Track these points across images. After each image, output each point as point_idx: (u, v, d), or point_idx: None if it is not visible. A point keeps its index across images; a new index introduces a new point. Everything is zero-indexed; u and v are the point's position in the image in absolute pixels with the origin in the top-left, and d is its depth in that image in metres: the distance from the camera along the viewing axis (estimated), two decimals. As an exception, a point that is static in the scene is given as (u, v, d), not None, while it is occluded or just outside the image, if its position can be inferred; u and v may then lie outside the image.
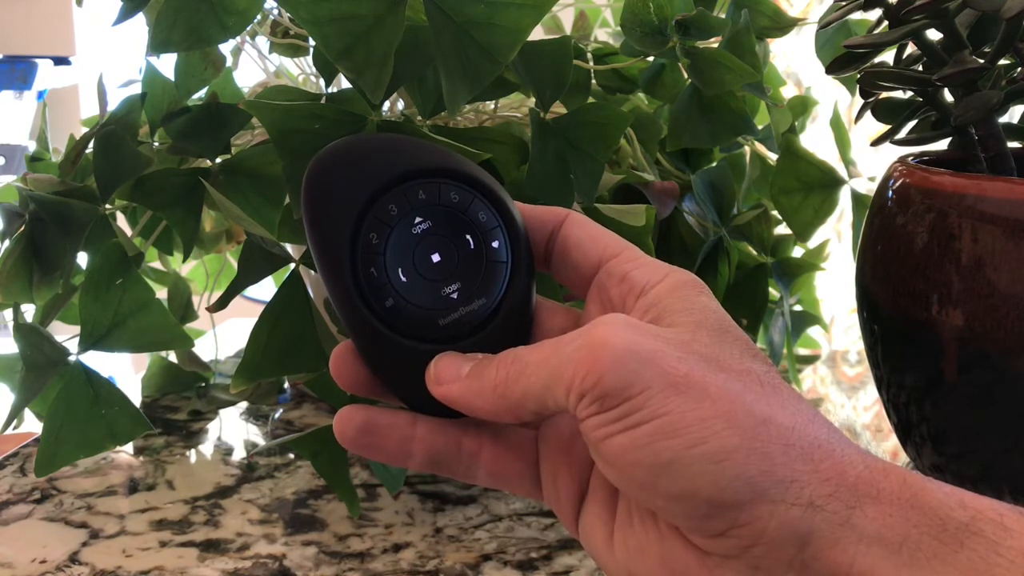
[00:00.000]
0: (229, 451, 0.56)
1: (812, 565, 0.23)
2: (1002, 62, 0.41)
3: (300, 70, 0.62)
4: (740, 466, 0.23)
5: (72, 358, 0.48)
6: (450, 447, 0.28)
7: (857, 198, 0.58)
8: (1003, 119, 0.43)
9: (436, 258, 0.28)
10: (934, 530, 0.22)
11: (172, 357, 0.65)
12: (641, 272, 0.28)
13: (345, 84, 0.52)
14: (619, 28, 0.52)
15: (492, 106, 0.55)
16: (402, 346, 0.27)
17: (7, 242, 0.51)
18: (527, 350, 0.26)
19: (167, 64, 0.52)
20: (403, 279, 0.27)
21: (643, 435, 0.23)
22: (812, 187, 0.56)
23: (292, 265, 0.46)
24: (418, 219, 0.28)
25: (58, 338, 0.49)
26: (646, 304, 0.27)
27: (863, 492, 0.23)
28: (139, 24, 0.52)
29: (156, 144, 0.54)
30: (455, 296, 0.28)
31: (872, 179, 0.58)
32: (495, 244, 0.28)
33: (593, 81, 0.53)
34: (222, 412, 0.62)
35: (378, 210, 0.27)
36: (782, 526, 0.23)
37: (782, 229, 0.60)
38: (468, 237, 0.28)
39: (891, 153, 0.45)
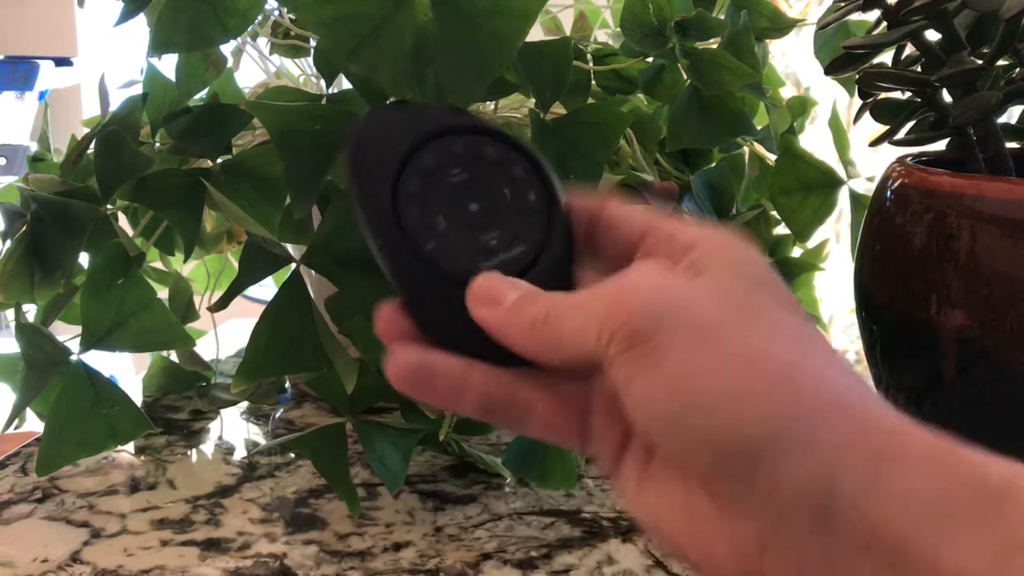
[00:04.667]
0: (230, 450, 0.56)
1: (836, 517, 0.22)
2: (1001, 63, 0.41)
3: (301, 71, 0.62)
4: (757, 411, 0.22)
5: (73, 358, 0.48)
6: (505, 396, 0.28)
7: (856, 198, 0.58)
8: (1001, 119, 0.44)
9: (475, 207, 0.28)
10: (970, 490, 0.21)
11: (173, 357, 0.66)
12: (687, 231, 0.27)
13: (346, 85, 0.52)
14: (619, 29, 0.53)
15: (492, 107, 0.55)
16: (445, 288, 0.28)
17: (9, 242, 0.52)
18: (566, 295, 0.26)
19: (168, 65, 0.52)
20: (444, 223, 0.28)
21: (667, 374, 0.23)
22: (811, 187, 0.56)
23: (293, 265, 0.46)
24: (457, 169, 0.28)
25: (59, 338, 0.50)
26: (692, 259, 0.27)
27: (893, 448, 0.22)
28: (140, 25, 0.52)
29: (157, 144, 0.54)
30: (494, 243, 0.28)
31: (871, 179, 0.58)
32: (531, 196, 0.29)
33: (593, 82, 0.53)
34: (223, 412, 0.62)
35: (418, 159, 0.28)
36: (803, 474, 0.22)
37: (781, 229, 0.60)
38: (505, 189, 0.29)
39: (890, 153, 0.45)
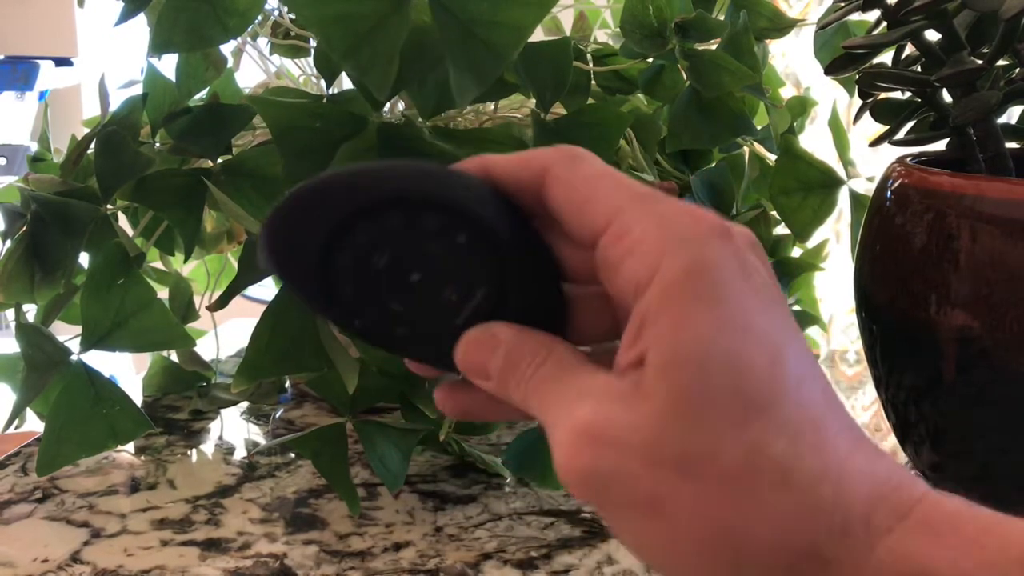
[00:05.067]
0: (230, 450, 0.56)
1: None
2: (1000, 63, 0.41)
3: (301, 71, 0.62)
4: None
5: (74, 358, 0.48)
6: None
7: (856, 198, 0.58)
8: (1001, 120, 0.44)
9: (415, 277, 0.27)
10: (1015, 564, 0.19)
11: (173, 357, 0.66)
12: (632, 263, 0.23)
13: (347, 85, 0.52)
14: (618, 29, 0.53)
15: (492, 107, 0.55)
16: (438, 352, 0.27)
17: (9, 242, 0.52)
18: (540, 384, 0.25)
19: (168, 65, 0.52)
20: (398, 307, 0.27)
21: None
22: (811, 187, 0.56)
23: (293, 265, 0.46)
24: (375, 256, 0.26)
25: (60, 338, 0.50)
26: (637, 320, 0.22)
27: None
28: (140, 25, 0.52)
29: (157, 144, 0.54)
30: (455, 298, 0.27)
31: (871, 179, 0.58)
32: (460, 239, 0.26)
33: (593, 82, 0.53)
34: (223, 412, 0.62)
35: (335, 266, 0.27)
36: None
37: (781, 229, 0.60)
38: (430, 246, 0.27)
39: (890, 153, 0.45)
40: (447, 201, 0.26)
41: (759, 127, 0.57)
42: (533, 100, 0.47)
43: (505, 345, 0.25)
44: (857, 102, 0.46)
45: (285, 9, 0.55)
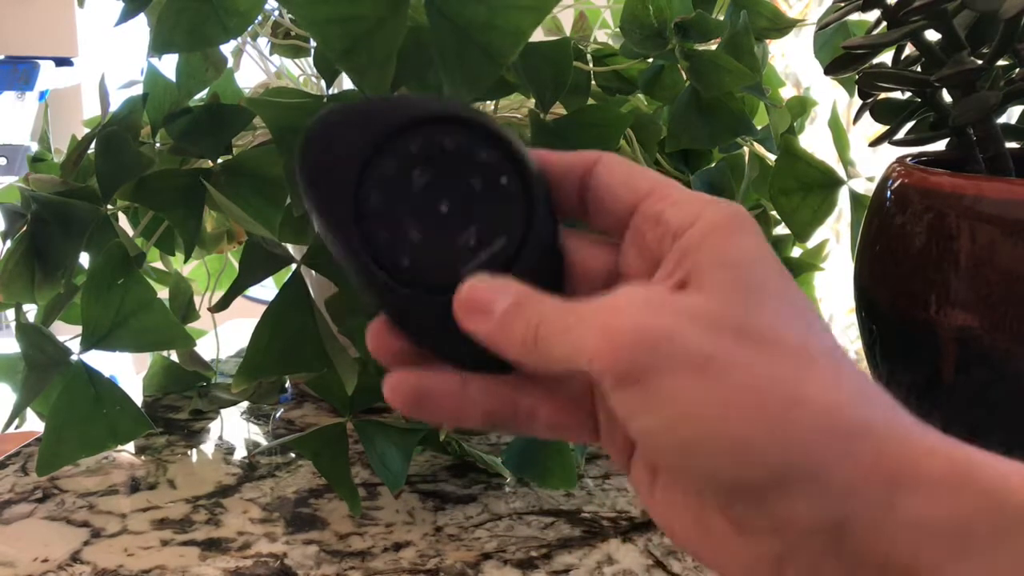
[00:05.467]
0: (230, 450, 0.56)
1: (850, 551, 0.21)
2: (1000, 63, 0.41)
3: (301, 71, 0.62)
4: (760, 454, 0.21)
5: (74, 358, 0.48)
6: (505, 407, 0.27)
7: (856, 198, 0.58)
8: (1001, 120, 0.44)
9: (445, 207, 0.26)
10: (989, 513, 0.20)
11: (174, 357, 0.66)
12: (675, 211, 0.25)
13: (347, 85, 0.52)
14: (619, 30, 0.53)
15: (492, 107, 0.55)
16: (431, 302, 0.26)
17: (9, 242, 0.52)
18: (554, 310, 0.25)
19: (168, 65, 0.52)
20: (416, 234, 0.26)
21: (664, 419, 0.22)
22: (811, 187, 0.56)
23: (293, 265, 0.46)
24: (418, 170, 0.26)
25: (60, 338, 0.50)
26: (678, 253, 0.24)
27: (906, 474, 0.21)
28: (141, 25, 0.52)
29: (158, 145, 0.54)
30: (473, 241, 0.26)
31: (871, 179, 0.58)
32: (503, 180, 0.27)
33: (593, 82, 0.53)
34: (223, 411, 0.62)
35: (375, 170, 0.26)
36: (813, 513, 0.21)
37: (781, 229, 0.60)
38: (472, 180, 0.27)
39: (890, 153, 0.45)
40: (505, 140, 0.27)
41: (759, 127, 0.57)
42: (533, 100, 0.47)
43: (517, 292, 0.26)
44: (857, 102, 0.46)
45: (285, 9, 0.55)
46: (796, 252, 0.64)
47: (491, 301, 0.25)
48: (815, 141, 0.62)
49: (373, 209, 0.26)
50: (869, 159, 0.59)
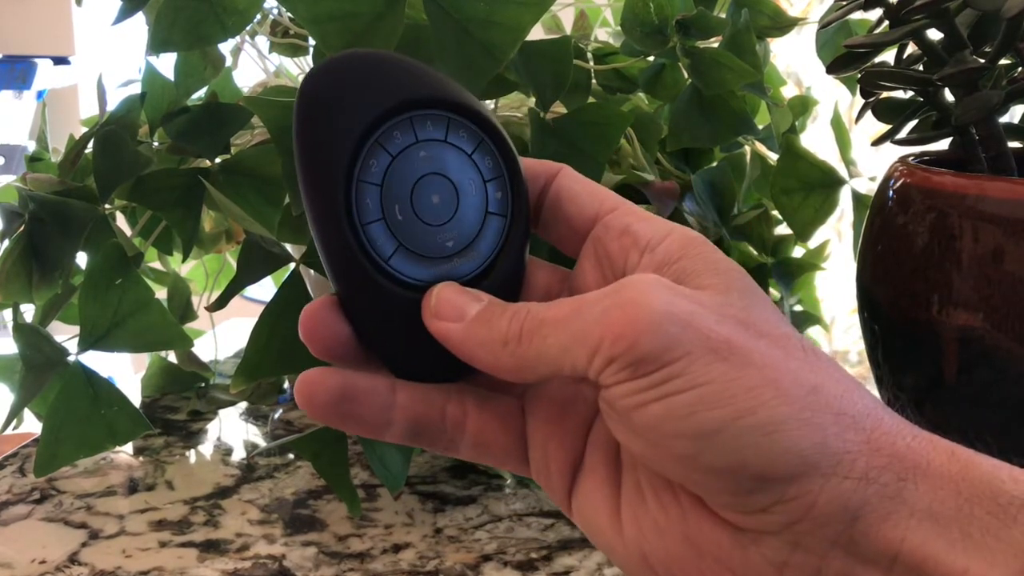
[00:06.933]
0: (229, 451, 0.56)
1: (860, 541, 0.21)
2: (1003, 62, 0.41)
3: (300, 70, 0.62)
4: (792, 438, 0.21)
5: (71, 358, 0.48)
6: (433, 416, 0.26)
7: (858, 198, 0.58)
8: (1004, 119, 0.43)
9: (436, 200, 0.25)
10: (987, 504, 0.21)
11: (172, 357, 0.65)
12: (644, 226, 0.25)
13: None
14: (619, 28, 0.52)
15: (492, 105, 0.55)
16: (393, 290, 0.25)
17: (7, 242, 0.51)
18: (543, 307, 0.24)
19: (167, 64, 0.52)
20: (399, 216, 0.25)
21: (684, 404, 0.21)
22: (812, 187, 0.56)
23: (292, 265, 0.46)
24: (423, 153, 0.25)
25: (58, 338, 0.49)
26: (656, 261, 0.25)
27: (913, 464, 0.21)
28: (139, 24, 0.52)
29: (156, 144, 0.54)
30: (451, 244, 0.25)
31: (873, 179, 0.58)
32: (498, 195, 0.26)
33: (593, 81, 0.53)
34: (222, 412, 0.62)
35: (381, 136, 0.25)
36: (832, 500, 0.21)
37: (782, 229, 0.60)
38: (471, 182, 0.26)
39: (892, 153, 0.45)
40: (504, 146, 0.26)
41: (760, 126, 0.57)
42: (533, 99, 0.47)
43: (489, 299, 0.25)
44: (859, 101, 0.46)
45: (284, 7, 0.55)
46: (798, 252, 0.64)
47: (463, 306, 0.25)
48: (817, 140, 0.62)
49: (368, 174, 0.25)
50: (871, 158, 0.59)
